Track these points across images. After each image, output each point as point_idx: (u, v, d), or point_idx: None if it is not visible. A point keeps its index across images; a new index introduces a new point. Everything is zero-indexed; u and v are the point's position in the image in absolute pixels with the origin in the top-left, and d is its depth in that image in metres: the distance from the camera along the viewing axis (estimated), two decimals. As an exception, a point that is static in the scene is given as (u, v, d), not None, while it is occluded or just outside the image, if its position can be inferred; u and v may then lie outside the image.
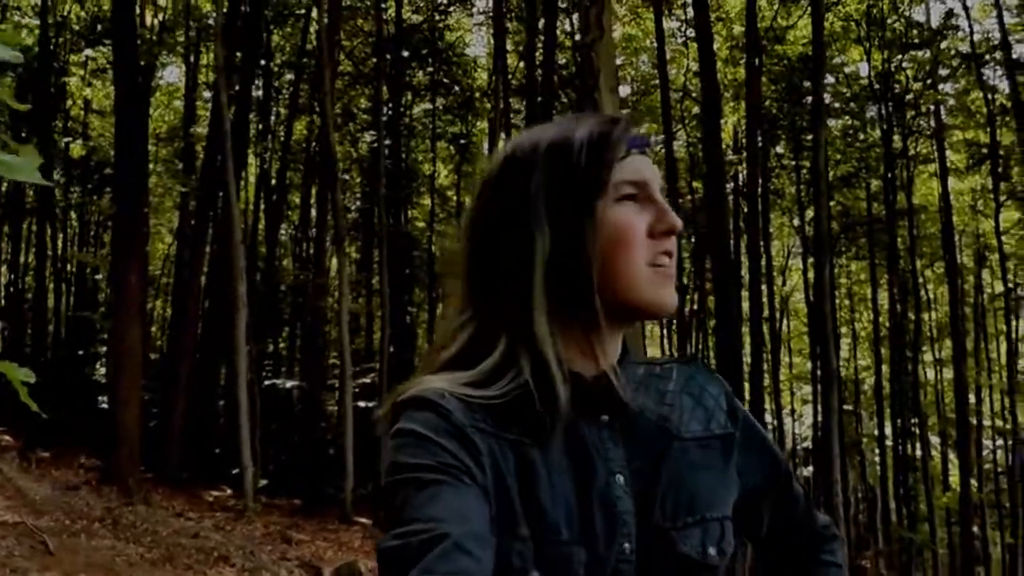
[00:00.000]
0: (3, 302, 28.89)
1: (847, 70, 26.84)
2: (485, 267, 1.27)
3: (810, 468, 29.84)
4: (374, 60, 23.59)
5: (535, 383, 1.19)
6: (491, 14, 22.71)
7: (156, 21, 25.67)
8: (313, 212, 25.86)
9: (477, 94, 26.62)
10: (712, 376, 1.40)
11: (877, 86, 25.03)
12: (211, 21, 20.74)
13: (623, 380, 1.26)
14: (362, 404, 21.04)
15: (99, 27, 23.60)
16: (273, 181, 27.09)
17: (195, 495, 17.87)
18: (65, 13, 25.82)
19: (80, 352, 24.97)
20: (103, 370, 23.83)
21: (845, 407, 28.24)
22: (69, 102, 27.09)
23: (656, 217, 1.24)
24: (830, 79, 25.51)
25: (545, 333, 1.21)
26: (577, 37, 20.03)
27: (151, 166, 25.40)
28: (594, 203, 1.22)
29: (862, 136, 27.09)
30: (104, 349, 22.85)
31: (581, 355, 1.25)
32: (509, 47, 24.45)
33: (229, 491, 18.83)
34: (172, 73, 29.70)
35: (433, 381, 1.22)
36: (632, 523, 1.21)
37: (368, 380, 22.07)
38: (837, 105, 26.38)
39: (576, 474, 1.20)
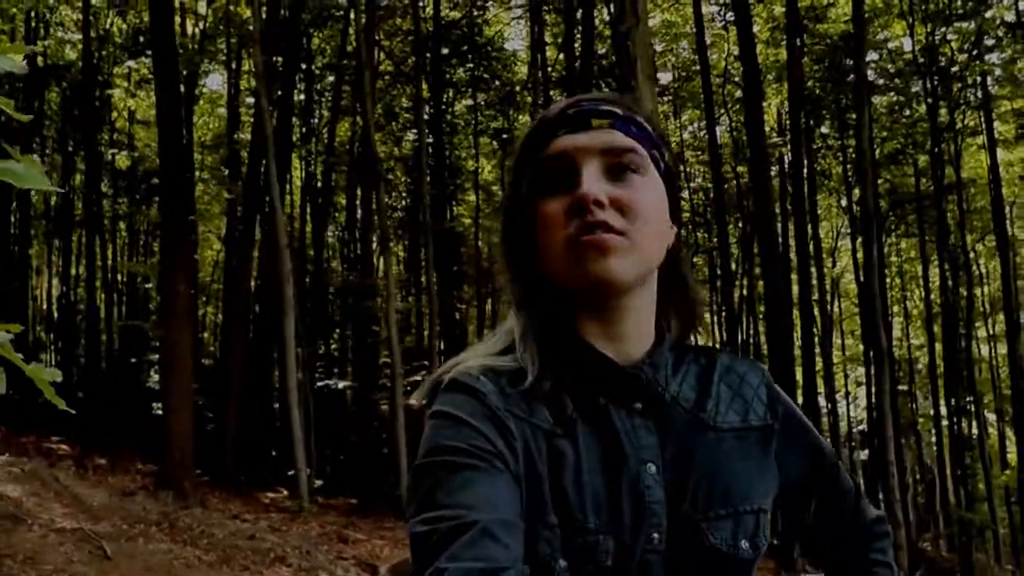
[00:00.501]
0: (56, 314, 29.31)
1: (890, 46, 26.49)
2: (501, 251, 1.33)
3: (866, 451, 29.65)
4: (413, 59, 23.62)
5: (543, 359, 1.23)
6: (529, 7, 22.65)
7: (197, 30, 25.93)
8: (359, 213, 25.98)
9: (518, 88, 26.60)
10: (752, 365, 1.39)
11: (921, 60, 24.64)
12: (251, 27, 20.85)
13: (659, 366, 1.27)
14: (414, 402, 21.11)
15: (141, 39, 23.86)
16: (318, 184, 27.27)
17: (251, 497, 18.05)
18: (107, 27, 26.14)
19: (133, 360, 25.31)
20: (156, 377, 24.08)
21: (899, 387, 28.01)
22: (114, 114, 27.43)
23: (573, 191, 1.22)
24: (873, 56, 25.23)
25: (520, 312, 1.27)
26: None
27: (197, 173, 25.72)
28: (518, 188, 1.27)
29: (908, 112, 26.71)
30: (156, 356, 23.08)
31: (606, 340, 1.25)
32: (548, 39, 24.42)
33: (285, 492, 19.00)
34: (215, 81, 30.01)
35: (467, 359, 1.25)
36: (662, 513, 1.20)
37: (419, 378, 22.10)
38: (881, 82, 26.07)
39: (606, 462, 1.20)
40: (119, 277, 28.64)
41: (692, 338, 1.38)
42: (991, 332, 32.06)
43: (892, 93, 26.64)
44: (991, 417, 31.60)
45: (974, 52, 24.45)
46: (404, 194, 29.08)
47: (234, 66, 26.30)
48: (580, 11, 21.74)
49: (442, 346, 21.21)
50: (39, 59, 26.17)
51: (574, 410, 1.20)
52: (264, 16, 20.00)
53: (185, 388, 15.90)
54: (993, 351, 31.93)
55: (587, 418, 1.21)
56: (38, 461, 16.05)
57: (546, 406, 1.19)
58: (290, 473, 17.73)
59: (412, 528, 1.08)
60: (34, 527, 11.31)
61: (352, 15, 21.94)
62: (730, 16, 23.97)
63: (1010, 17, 23.54)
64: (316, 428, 20.48)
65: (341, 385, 23.59)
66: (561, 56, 24.23)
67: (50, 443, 19.53)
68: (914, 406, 32.37)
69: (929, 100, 25.06)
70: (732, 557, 1.22)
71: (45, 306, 30.89)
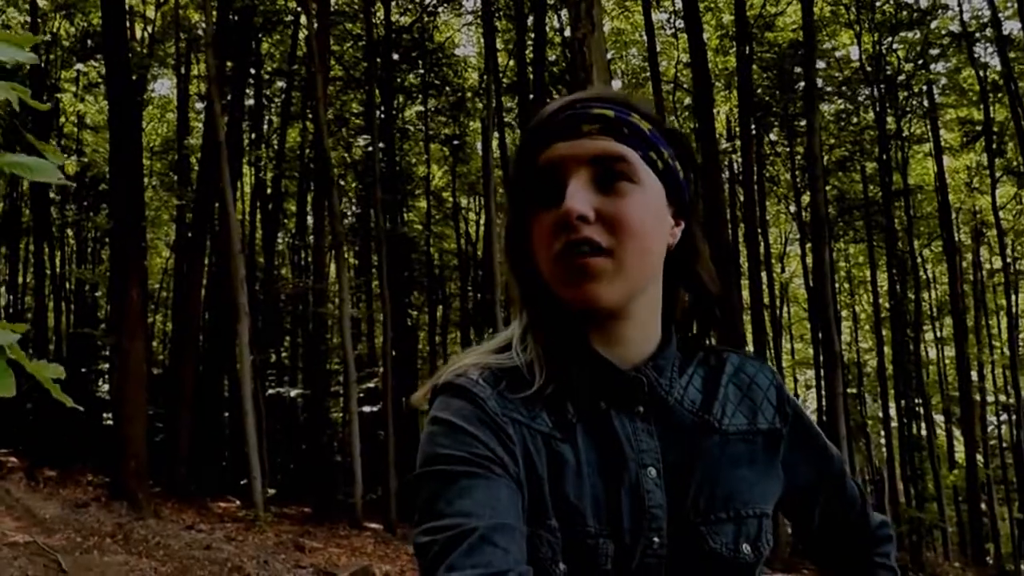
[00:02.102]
0: (3, 322, 28.89)
1: (838, 54, 26.81)
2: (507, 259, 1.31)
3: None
4: (365, 64, 23.52)
5: (548, 361, 1.22)
6: (480, 13, 22.65)
7: (146, 34, 25.64)
8: (310, 219, 25.83)
9: (469, 94, 26.57)
10: (763, 367, 1.37)
11: (869, 68, 24.99)
12: (201, 32, 20.68)
13: (663, 369, 1.26)
14: (367, 409, 21.03)
15: (89, 42, 23.57)
16: (269, 190, 27.08)
17: (205, 507, 17.89)
18: (55, 30, 25.79)
19: (83, 369, 24.95)
20: (107, 387, 23.79)
21: (849, 390, 28.26)
22: (62, 118, 27.05)
23: (559, 206, 1.19)
24: (821, 64, 25.49)
25: (521, 317, 1.27)
26: (566, 33, 20.04)
27: (146, 180, 25.43)
28: (514, 203, 1.25)
29: (855, 119, 27.07)
30: (107, 366, 22.81)
31: (607, 344, 1.24)
32: (499, 45, 24.42)
33: (238, 502, 18.84)
34: (164, 86, 29.74)
35: (465, 359, 1.25)
36: (663, 517, 1.19)
37: (372, 384, 22.03)
38: (829, 89, 26.35)
39: (606, 466, 1.19)
40: (68, 285, 28.26)
41: (709, 337, 1.35)
42: (939, 335, 32.48)
43: (840, 100, 26.94)
44: (939, 418, 31.95)
45: (920, 61, 24.82)
46: (354, 200, 28.95)
47: (183, 71, 26.06)
48: (531, 17, 21.78)
49: (394, 352, 21.11)
50: (-16, 62, 25.77)
51: (575, 414, 1.20)
52: (214, 20, 19.84)
53: (139, 396, 15.77)
54: (941, 354, 32.34)
55: (588, 422, 1.20)
56: (-13, 474, 15.88)
57: (546, 410, 1.20)
58: (243, 482, 17.58)
59: (415, 539, 1.08)
60: (-14, 541, 11.18)
61: (303, 20, 21.84)
62: (680, 23, 24.14)
63: (955, 27, 23.94)
64: (268, 436, 20.33)
65: (293, 393, 23.43)
66: (512, 63, 24.26)
67: (-1, 456, 19.31)
68: (863, 409, 32.65)
69: (876, 108, 25.39)
70: (733, 561, 1.21)
71: (-9, 314, 30.47)
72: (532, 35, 21.79)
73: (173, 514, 16.17)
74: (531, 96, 21.44)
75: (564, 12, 20.53)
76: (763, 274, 25.17)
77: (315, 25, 19.79)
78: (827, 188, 25.57)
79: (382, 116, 24.16)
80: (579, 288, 1.17)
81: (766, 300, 25.65)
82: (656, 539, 1.18)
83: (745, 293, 22.80)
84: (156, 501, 16.29)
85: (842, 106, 27.24)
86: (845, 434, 17.09)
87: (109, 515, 14.36)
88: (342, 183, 26.00)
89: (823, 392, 23.22)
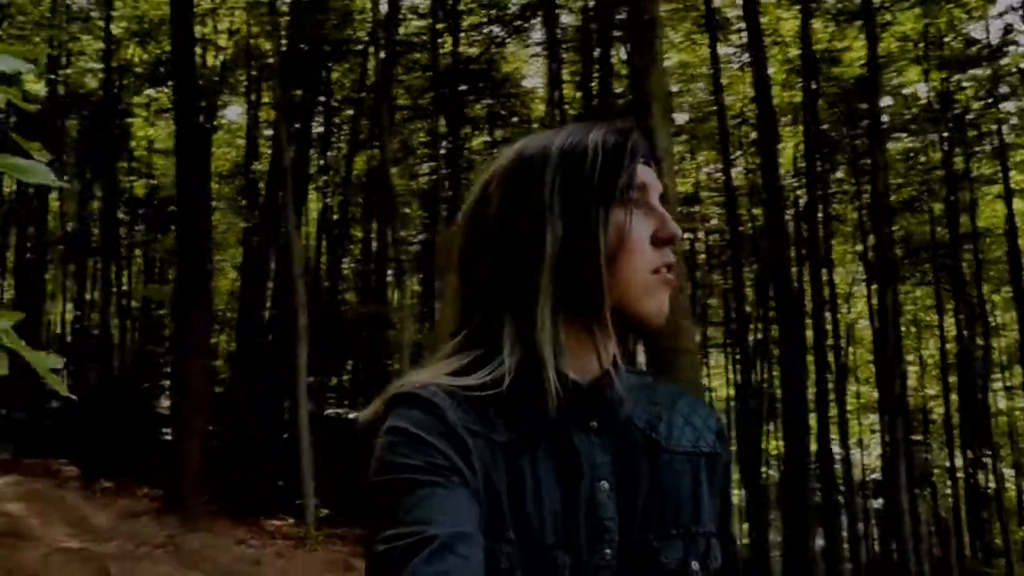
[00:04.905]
0: (70, 338, 29.43)
1: (905, 91, 26.52)
2: (487, 261, 1.27)
3: (880, 500, 29.34)
4: (431, 94, 23.79)
5: (518, 375, 1.21)
6: (547, 45, 22.84)
7: (217, 62, 26.21)
8: (375, 245, 26.07)
9: (535, 124, 26.71)
10: (702, 402, 1.41)
11: (936, 106, 24.69)
12: (271, 60, 21.10)
13: (614, 387, 1.27)
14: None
15: (161, 69, 24.11)
16: (335, 216, 27.40)
17: (258, 524, 17.97)
18: (128, 56, 26.47)
19: (145, 385, 25.33)
20: (167, 403, 24.09)
21: (914, 437, 27.73)
22: (133, 142, 27.65)
23: (659, 225, 1.26)
24: (888, 100, 25.27)
25: (547, 325, 1.21)
26: (633, 64, 20.11)
27: (215, 203, 25.89)
28: (605, 206, 1.23)
29: (923, 158, 26.71)
30: (168, 382, 23.14)
31: (573, 358, 1.25)
32: (565, 76, 24.57)
33: (292, 520, 18.88)
34: (234, 112, 30.25)
35: (420, 375, 1.24)
36: (615, 530, 1.21)
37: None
38: (897, 127, 26.10)
39: (563, 479, 1.20)
40: (133, 303, 28.76)
41: (636, 363, 1.39)
42: (1008, 384, 31.74)
43: (908, 138, 26.63)
44: (1008, 471, 31.23)
45: (989, 99, 24.46)
46: (420, 227, 29.17)
47: (253, 98, 26.56)
48: (598, 50, 21.91)
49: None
50: (60, 87, 26.52)
51: (533, 427, 1.20)
52: (284, 49, 20.23)
53: (197, 413, 16.09)
54: (1011, 404, 31.61)
55: (544, 435, 1.21)
56: (45, 482, 16.09)
57: (504, 422, 1.20)
58: (297, 502, 17.67)
59: (374, 548, 1.09)
60: (38, 546, 11.31)
61: (371, 49, 22.17)
62: (746, 57, 24.09)
63: (1025, 65, 23.61)
64: (325, 457, 20.40)
65: (352, 415, 23.53)
66: (578, 94, 24.38)
67: (58, 465, 19.55)
68: (928, 457, 32.01)
69: (944, 147, 25.06)
70: None
71: (59, 330, 31.00)
72: (598, 67, 21.89)
73: (226, 529, 16.28)
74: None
75: (630, 45, 20.66)
76: (828, 314, 24.85)
77: (383, 55, 20.10)
78: (894, 228, 25.29)
79: (448, 145, 24.37)
80: (662, 304, 1.25)
81: (830, 341, 25.27)
82: (608, 551, 1.20)
83: (809, 333, 22.49)
84: (210, 516, 16.42)
85: (910, 144, 26.91)
86: (906, 483, 16.79)
87: (161, 527, 14.51)
88: (407, 211, 26.23)
89: (887, 438, 22.85)
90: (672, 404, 1.34)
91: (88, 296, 28.00)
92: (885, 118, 23.62)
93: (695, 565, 1.24)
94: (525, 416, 1.20)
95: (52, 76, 26.27)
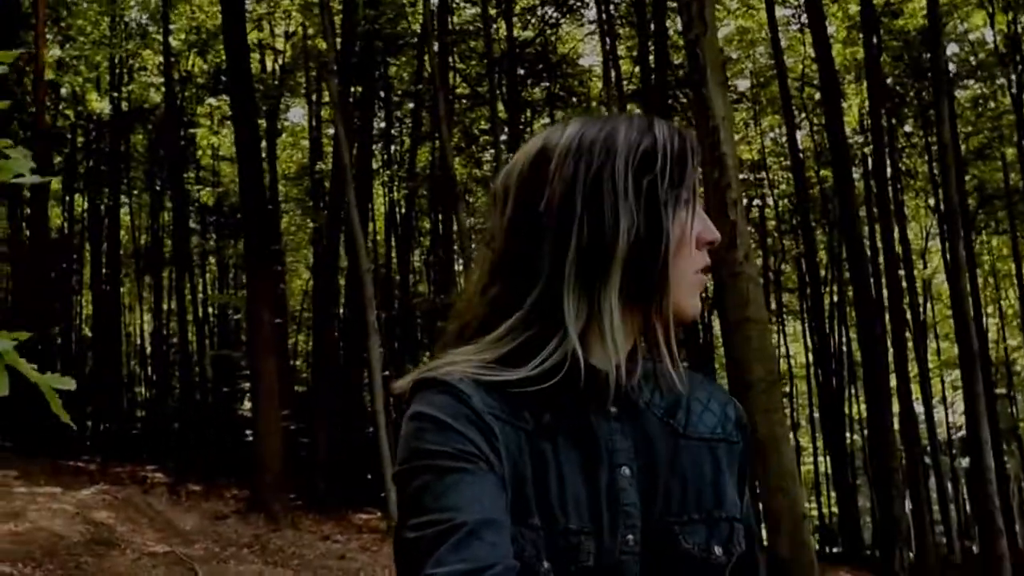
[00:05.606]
0: (149, 348, 29.98)
1: (972, 37, 25.98)
2: (548, 240, 1.22)
3: (967, 458, 28.95)
4: (488, 80, 23.77)
5: (574, 365, 1.19)
6: (601, 22, 22.67)
7: (276, 65, 26.44)
8: (443, 236, 26.22)
9: (594, 103, 26.59)
10: (722, 390, 1.43)
11: (1004, 50, 24.15)
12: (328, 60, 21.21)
13: (633, 373, 1.27)
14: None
15: (222, 77, 24.39)
16: (401, 209, 27.55)
17: (343, 519, 18.19)
18: (189, 68, 26.79)
19: (225, 389, 25.74)
20: (248, 404, 24.46)
21: (998, 391, 27.30)
22: (199, 152, 28.02)
23: (703, 228, 1.27)
24: (954, 48, 24.76)
25: (615, 313, 1.21)
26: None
27: (284, 205, 26.13)
28: (675, 205, 1.24)
29: (992, 104, 26.16)
30: (247, 385, 23.49)
31: (600, 345, 1.23)
32: (622, 52, 24.40)
33: (378, 513, 19.06)
34: (296, 114, 30.53)
35: (457, 360, 1.22)
36: (637, 515, 1.21)
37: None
38: (963, 74, 25.59)
39: (585, 465, 1.21)
40: (209, 309, 29.22)
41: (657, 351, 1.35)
42: (1093, 329, 31.12)
43: (975, 85, 26.09)
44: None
45: (1058, 39, 23.89)
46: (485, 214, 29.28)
47: (314, 98, 26.79)
48: (653, 24, 21.73)
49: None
50: (123, 103, 26.91)
51: (556, 413, 1.20)
52: (339, 47, 20.31)
53: (273, 413, 16.28)
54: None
55: (568, 421, 1.21)
56: (132, 489, 16.37)
57: (528, 408, 1.20)
58: (381, 495, 17.83)
59: (402, 535, 1.10)
60: (127, 551, 11.54)
61: (427, 41, 22.21)
62: (804, 18, 23.76)
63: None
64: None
65: (428, 409, 23.69)
66: (636, 69, 24.22)
67: (145, 471, 19.91)
68: (1014, 410, 31.51)
69: (1013, 91, 24.48)
70: (705, 562, 1.24)
71: (138, 341, 31.60)
72: (654, 40, 21.71)
73: (312, 526, 16.53)
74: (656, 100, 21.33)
75: (682, 14, 20.43)
76: (902, 271, 24.48)
77: (436, 46, 20.11)
78: (966, 178, 24.82)
79: (507, 131, 24.32)
80: (699, 302, 1.28)
81: (907, 298, 24.87)
82: (631, 536, 1.20)
83: (885, 292, 22.19)
84: (296, 513, 16.68)
85: (979, 91, 26.36)
86: (989, 437, 16.37)
87: (247, 527, 14.77)
88: (470, 199, 26.26)
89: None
90: (691, 392, 1.33)
91: (165, 306, 28.48)
92: (952, 66, 23.14)
93: (718, 550, 1.24)
94: (548, 402, 1.20)
95: (115, 94, 26.69)
